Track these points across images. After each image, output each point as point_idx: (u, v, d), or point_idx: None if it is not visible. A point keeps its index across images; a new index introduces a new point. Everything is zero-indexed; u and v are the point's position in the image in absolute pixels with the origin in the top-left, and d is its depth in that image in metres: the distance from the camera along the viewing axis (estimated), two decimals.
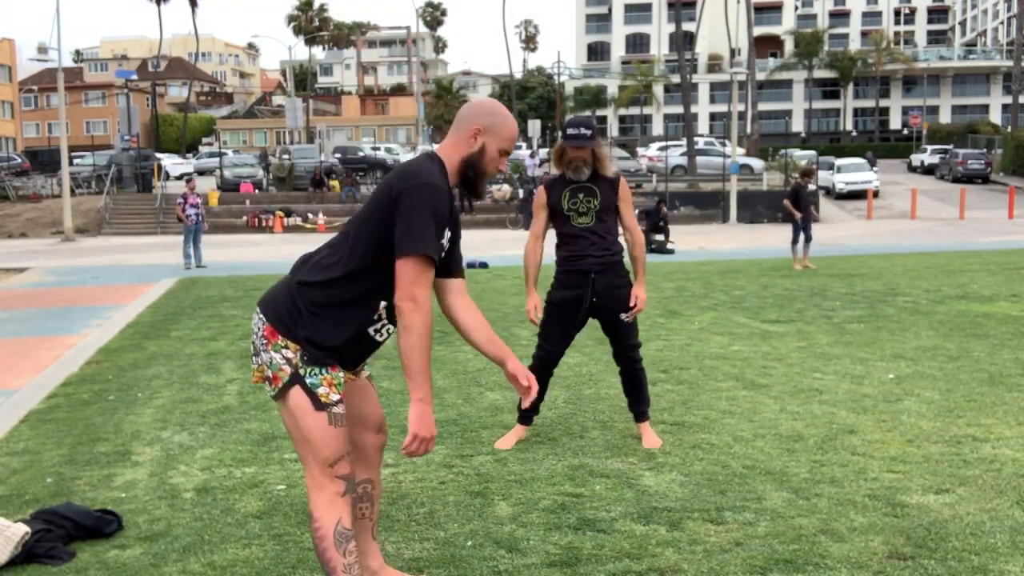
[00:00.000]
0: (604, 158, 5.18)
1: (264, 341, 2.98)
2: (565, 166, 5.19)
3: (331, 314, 2.95)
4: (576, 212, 5.20)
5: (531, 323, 5.38)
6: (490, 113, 3.08)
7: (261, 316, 3.01)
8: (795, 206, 16.33)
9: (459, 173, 3.06)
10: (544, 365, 5.41)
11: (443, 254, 3.03)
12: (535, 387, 3.10)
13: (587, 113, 78.71)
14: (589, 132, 5.12)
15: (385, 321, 3.06)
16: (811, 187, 17.55)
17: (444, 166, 3.03)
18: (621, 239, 5.32)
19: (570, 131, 5.13)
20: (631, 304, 5.27)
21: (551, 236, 5.38)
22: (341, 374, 3.00)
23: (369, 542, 3.36)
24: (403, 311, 2.85)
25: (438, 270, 3.04)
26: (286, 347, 2.94)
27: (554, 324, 5.35)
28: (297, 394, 2.94)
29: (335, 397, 2.96)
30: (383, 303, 3.02)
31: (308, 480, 3.02)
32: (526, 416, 5.47)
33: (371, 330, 3.04)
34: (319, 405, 2.94)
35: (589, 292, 5.22)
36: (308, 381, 2.93)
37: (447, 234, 3.01)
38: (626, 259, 5.31)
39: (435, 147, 3.16)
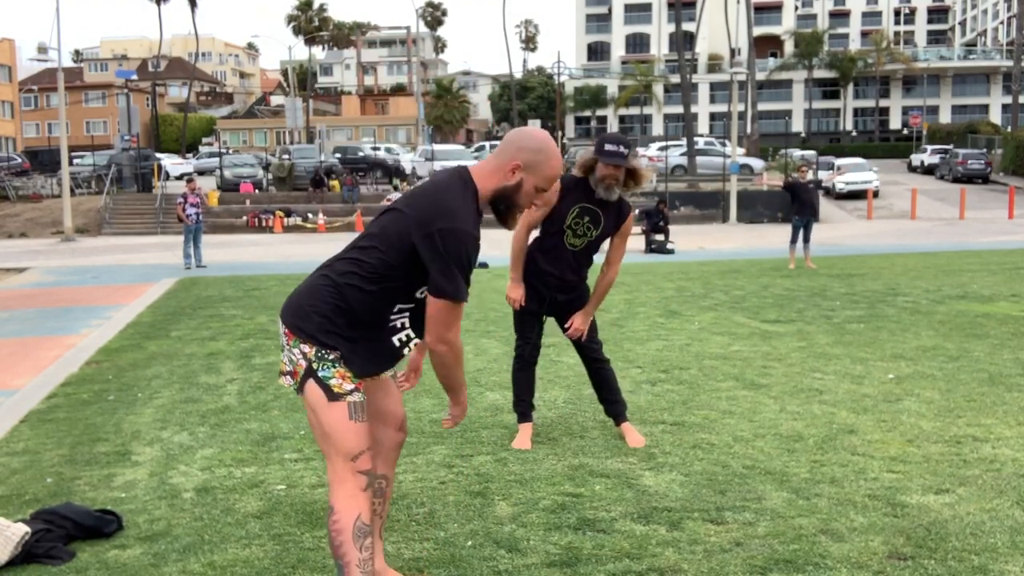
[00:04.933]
0: (640, 173, 4.98)
1: (285, 339, 3.04)
2: (596, 182, 5.02)
3: (352, 326, 2.99)
4: (572, 232, 5.13)
5: (510, 306, 5.32)
6: (535, 151, 2.99)
7: (279, 320, 3.08)
8: (793, 203, 16.39)
9: (490, 203, 3.04)
10: (525, 359, 5.42)
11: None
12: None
13: (587, 113, 78.84)
14: (626, 151, 4.93)
15: (408, 331, 3.10)
16: (808, 176, 17.53)
17: (476, 192, 2.99)
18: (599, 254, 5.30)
19: (608, 147, 4.90)
20: (567, 325, 5.25)
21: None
22: (353, 376, 3.03)
23: (376, 541, 3.36)
24: (438, 354, 2.96)
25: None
26: (303, 343, 2.98)
27: (525, 319, 5.37)
28: (312, 387, 2.98)
29: (349, 386, 2.98)
30: (407, 315, 3.07)
31: (329, 473, 3.03)
32: (524, 414, 5.47)
33: (394, 339, 3.08)
34: (332, 396, 2.97)
35: (548, 299, 5.26)
36: (320, 374, 2.97)
37: None
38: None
39: (475, 163, 3.11)
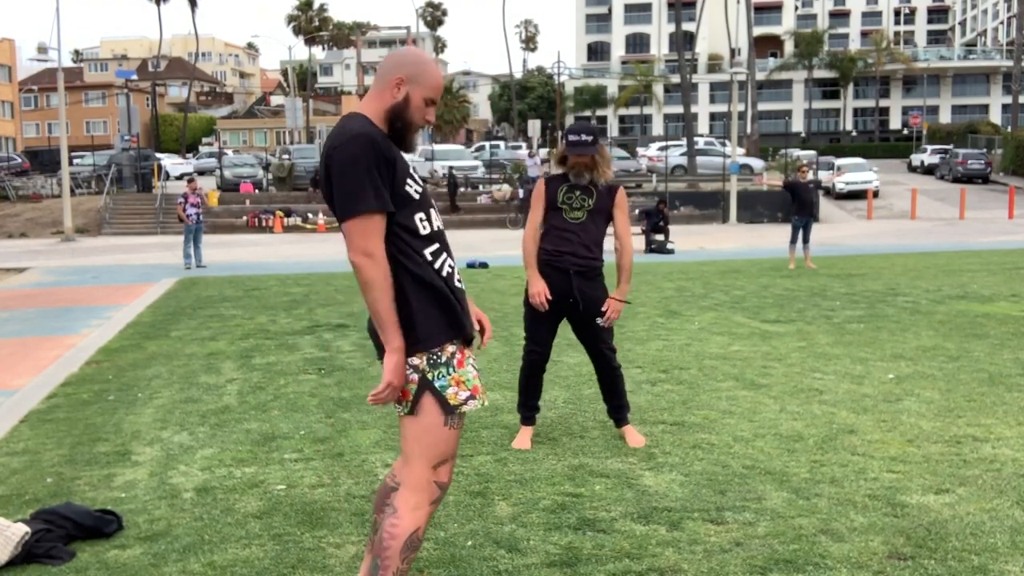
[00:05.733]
0: (604, 164, 5.16)
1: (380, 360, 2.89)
2: (568, 170, 5.20)
3: (409, 295, 2.86)
4: (570, 206, 5.20)
5: (538, 306, 5.28)
6: (414, 63, 2.94)
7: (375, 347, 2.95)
8: (793, 203, 16.40)
9: (386, 124, 2.93)
10: (536, 366, 5.41)
11: (418, 195, 2.92)
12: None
13: (587, 113, 78.79)
14: (591, 138, 5.12)
15: (445, 256, 2.96)
16: (809, 175, 17.54)
17: (368, 120, 2.91)
18: (608, 252, 5.29)
19: (571, 138, 5.12)
20: (604, 309, 5.23)
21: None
22: (470, 370, 2.92)
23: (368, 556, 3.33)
24: (359, 266, 2.78)
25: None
26: (409, 356, 2.85)
27: (542, 325, 5.33)
28: (428, 405, 2.86)
29: (464, 395, 2.89)
30: (439, 250, 2.93)
31: (405, 475, 2.91)
32: (527, 417, 5.47)
33: (455, 281, 2.94)
34: (448, 409, 2.86)
35: (572, 290, 5.19)
36: (437, 384, 2.85)
37: (410, 174, 2.90)
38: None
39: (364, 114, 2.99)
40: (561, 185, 5.24)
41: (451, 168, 34.74)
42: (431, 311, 2.87)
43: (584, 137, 5.10)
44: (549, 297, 5.18)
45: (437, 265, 2.92)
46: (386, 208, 2.81)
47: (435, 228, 2.96)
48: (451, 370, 2.87)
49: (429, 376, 2.85)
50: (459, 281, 2.98)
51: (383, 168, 2.81)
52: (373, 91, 2.96)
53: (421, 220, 2.92)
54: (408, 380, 2.85)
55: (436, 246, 2.94)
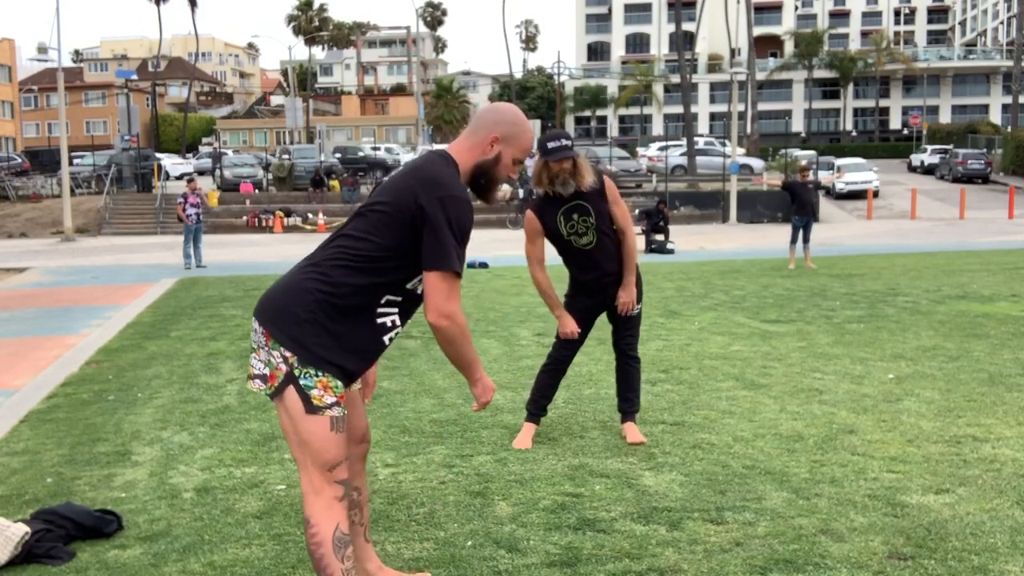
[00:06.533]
0: (583, 168, 5.03)
1: (263, 339, 2.91)
2: (549, 182, 5.03)
3: (339, 320, 2.88)
4: (576, 235, 5.16)
5: (562, 335, 5.38)
6: (511, 123, 3.03)
7: (256, 319, 2.95)
8: (792, 203, 16.40)
9: (471, 178, 3.01)
10: (559, 367, 5.47)
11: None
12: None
13: (587, 113, 78.79)
14: (570, 143, 4.99)
15: (399, 328, 3.02)
16: (809, 176, 17.55)
17: (458, 167, 2.98)
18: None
19: (551, 145, 4.95)
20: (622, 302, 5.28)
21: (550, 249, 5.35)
22: (339, 381, 2.91)
23: (363, 546, 3.34)
24: (441, 328, 2.86)
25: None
26: (286, 348, 2.86)
27: (572, 339, 5.39)
28: (291, 395, 2.87)
29: (330, 400, 2.87)
30: (396, 311, 2.97)
31: (304, 484, 2.92)
32: (534, 414, 5.48)
33: (385, 338, 2.99)
34: (311, 408, 2.86)
35: (605, 300, 5.33)
36: (302, 383, 2.86)
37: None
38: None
39: (444, 146, 3.10)
40: (557, 214, 5.13)
41: None
42: (342, 344, 2.89)
43: (564, 142, 4.96)
44: (578, 330, 5.32)
45: (381, 321, 2.96)
46: (462, 270, 2.89)
47: (418, 292, 3.00)
48: (320, 374, 2.87)
49: (296, 374, 2.86)
50: (389, 341, 3.02)
51: (465, 242, 2.91)
52: (467, 141, 3.04)
53: (417, 283, 2.98)
54: (276, 367, 2.87)
55: (400, 309, 3.00)
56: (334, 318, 2.88)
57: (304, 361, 2.86)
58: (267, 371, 2.91)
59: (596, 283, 5.28)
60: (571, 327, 5.29)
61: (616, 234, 5.25)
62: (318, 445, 2.89)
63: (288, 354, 2.86)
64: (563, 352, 5.44)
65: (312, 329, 2.86)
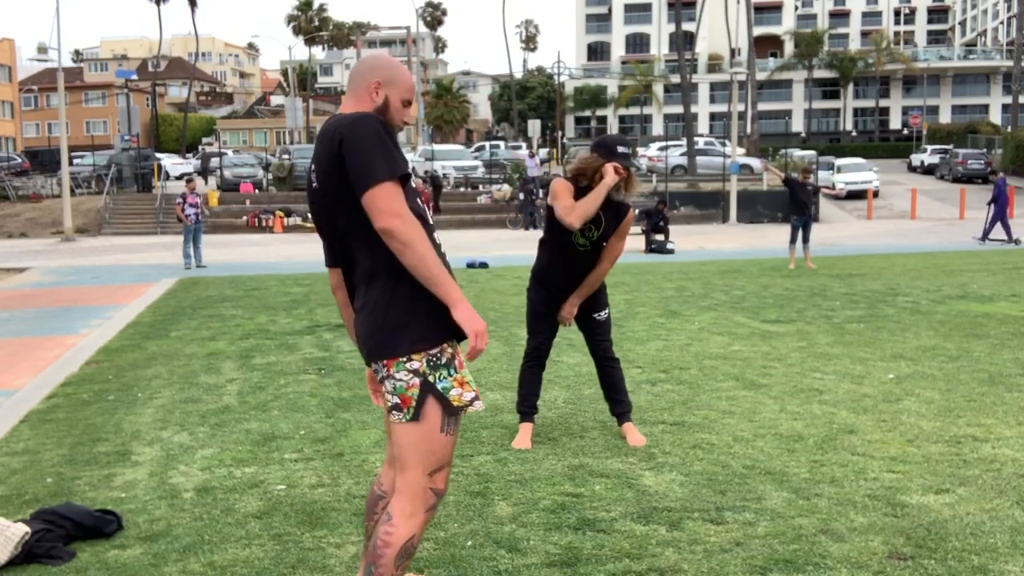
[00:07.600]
0: (635, 179, 5.12)
1: (385, 369, 2.82)
2: (590, 179, 5.02)
3: (402, 283, 2.79)
4: (580, 233, 5.18)
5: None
6: (387, 66, 2.98)
7: (370, 361, 2.87)
8: (791, 201, 16.41)
9: None
10: (537, 358, 5.47)
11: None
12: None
13: (587, 113, 78.82)
14: (631, 151, 5.17)
15: (438, 242, 2.91)
16: (810, 179, 17.56)
17: None
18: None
19: (620, 149, 5.01)
20: (562, 313, 5.32)
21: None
22: (468, 372, 2.86)
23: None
24: (393, 229, 2.68)
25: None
26: (408, 361, 2.79)
27: (542, 324, 5.42)
28: (431, 409, 2.80)
29: (468, 395, 2.83)
30: (431, 233, 2.88)
31: (401, 483, 2.85)
32: (526, 413, 5.48)
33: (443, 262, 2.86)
34: (452, 411, 2.81)
35: (557, 304, 5.37)
36: (439, 386, 2.80)
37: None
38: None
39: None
40: None
41: (430, 171, 34.54)
42: (429, 306, 2.80)
43: (629, 149, 5.11)
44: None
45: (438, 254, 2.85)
46: (405, 171, 2.77)
47: (421, 214, 2.90)
48: (452, 371, 2.82)
49: (431, 379, 2.79)
50: (442, 250, 2.92)
51: (394, 142, 2.81)
52: (351, 96, 2.97)
53: (422, 206, 2.94)
54: (408, 386, 2.79)
55: (433, 234, 2.91)
56: (396, 291, 2.80)
57: (433, 362, 2.79)
58: (398, 397, 2.81)
59: (556, 286, 5.31)
60: (569, 311, 5.30)
61: (598, 256, 5.26)
62: (432, 447, 2.83)
63: (416, 364, 2.79)
64: (538, 344, 5.43)
65: (416, 323, 2.78)
